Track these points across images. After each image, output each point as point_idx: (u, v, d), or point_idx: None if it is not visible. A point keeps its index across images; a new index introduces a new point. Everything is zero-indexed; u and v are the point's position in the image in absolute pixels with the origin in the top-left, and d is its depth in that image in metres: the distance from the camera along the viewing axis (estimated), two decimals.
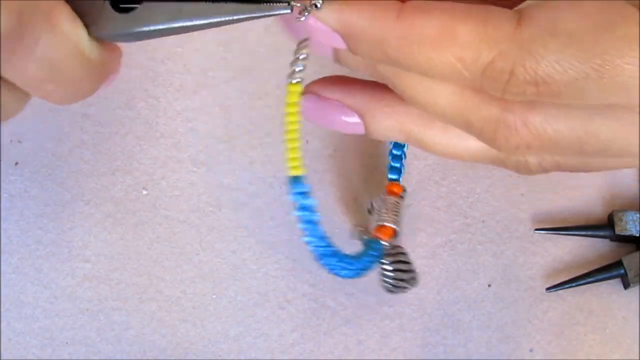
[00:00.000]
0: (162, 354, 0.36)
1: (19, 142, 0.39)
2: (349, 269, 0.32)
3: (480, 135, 0.25)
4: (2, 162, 0.38)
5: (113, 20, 0.26)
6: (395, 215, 0.35)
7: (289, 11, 0.25)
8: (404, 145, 0.36)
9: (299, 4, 0.25)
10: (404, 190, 0.36)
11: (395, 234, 0.35)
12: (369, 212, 0.37)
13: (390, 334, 0.37)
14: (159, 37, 0.26)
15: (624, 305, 0.37)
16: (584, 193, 0.39)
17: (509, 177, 0.39)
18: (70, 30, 0.25)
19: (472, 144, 0.27)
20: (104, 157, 0.39)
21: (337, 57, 0.27)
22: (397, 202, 0.35)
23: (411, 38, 0.23)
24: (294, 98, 0.26)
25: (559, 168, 0.26)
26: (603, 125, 0.24)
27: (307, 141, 0.39)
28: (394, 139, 0.29)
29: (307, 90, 0.29)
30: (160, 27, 0.26)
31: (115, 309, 0.37)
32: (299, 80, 0.26)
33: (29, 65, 0.25)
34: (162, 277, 0.37)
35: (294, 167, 0.27)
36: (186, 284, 0.37)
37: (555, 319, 0.37)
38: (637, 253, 0.37)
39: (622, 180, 0.39)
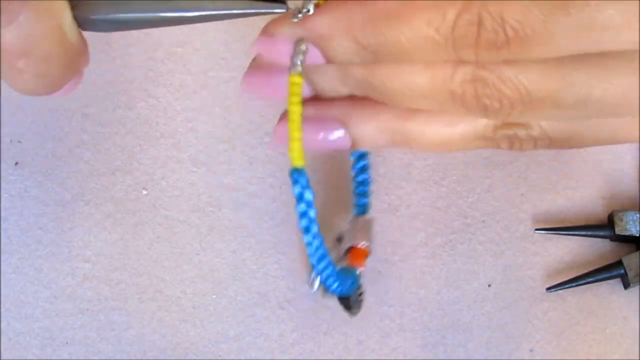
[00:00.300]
0: (162, 354, 0.36)
1: (19, 142, 0.39)
2: (339, 286, 0.32)
3: (463, 102, 0.25)
4: (2, 162, 0.38)
5: (100, 4, 0.25)
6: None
7: (284, 10, 0.25)
8: (367, 169, 0.36)
9: (291, 7, 0.25)
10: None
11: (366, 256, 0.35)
12: (339, 241, 0.37)
13: (390, 334, 0.37)
14: (148, 26, 0.25)
15: (624, 305, 0.37)
16: (584, 193, 0.39)
17: (509, 177, 0.39)
18: (56, 4, 0.24)
19: (459, 129, 0.27)
20: (104, 157, 0.39)
21: (313, 84, 0.27)
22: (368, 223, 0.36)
23: (376, 16, 0.23)
24: (296, 89, 0.26)
25: (550, 140, 0.26)
26: (579, 72, 0.23)
27: None
28: (381, 144, 0.28)
29: (279, 121, 0.28)
30: (149, 15, 0.25)
31: (115, 309, 0.37)
32: (299, 71, 0.26)
33: (6, 33, 0.23)
34: (162, 277, 0.37)
35: (296, 158, 0.27)
36: (186, 284, 0.37)
37: (555, 319, 0.37)
38: (637, 253, 0.37)
39: (622, 180, 0.39)
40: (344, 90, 0.27)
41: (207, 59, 0.40)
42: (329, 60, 0.25)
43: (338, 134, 0.27)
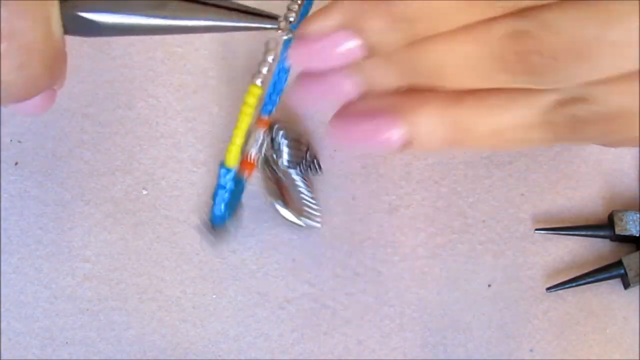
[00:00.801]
0: (162, 354, 0.36)
1: (19, 142, 0.39)
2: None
3: (507, 64, 0.23)
4: (2, 162, 0.38)
5: (90, 1, 0.25)
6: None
7: (275, 26, 0.25)
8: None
9: (282, 23, 0.25)
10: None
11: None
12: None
13: (390, 334, 0.37)
14: (136, 33, 0.25)
15: (624, 305, 0.37)
16: (584, 193, 0.39)
17: (509, 177, 0.39)
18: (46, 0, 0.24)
19: (513, 114, 0.25)
20: (104, 157, 0.39)
21: (360, 82, 0.26)
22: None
23: None
24: (251, 100, 0.26)
25: (613, 116, 0.24)
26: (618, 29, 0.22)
27: None
28: (436, 139, 0.26)
29: (334, 117, 0.27)
30: (140, 20, 0.25)
31: (115, 309, 0.37)
32: (260, 81, 0.26)
33: None
34: (162, 277, 0.37)
35: (231, 160, 0.28)
36: (186, 284, 0.37)
37: (555, 319, 0.37)
38: (637, 253, 0.37)
39: (622, 180, 0.39)
40: (392, 83, 0.26)
41: (207, 59, 0.40)
42: (370, 48, 0.24)
43: (397, 132, 0.26)
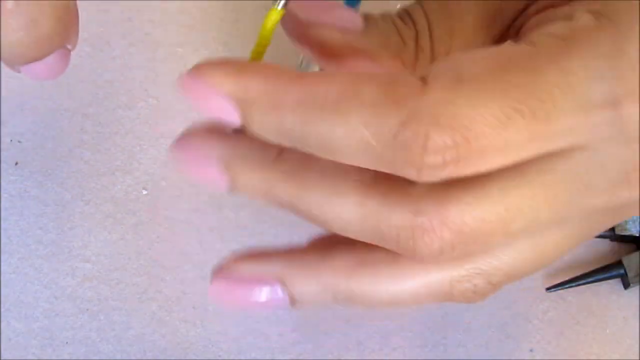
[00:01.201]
0: (162, 354, 0.36)
1: (19, 142, 0.39)
2: None
3: (398, 245, 0.22)
4: (2, 162, 0.38)
5: None
6: None
7: None
8: None
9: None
10: None
11: None
12: None
13: (390, 334, 0.37)
14: None
15: (624, 305, 0.37)
16: None
17: None
18: None
19: (409, 285, 0.23)
20: (104, 157, 0.39)
21: (231, 183, 0.26)
22: None
23: (312, 100, 0.21)
24: (270, 23, 0.25)
25: (509, 278, 0.24)
26: (526, 192, 0.21)
27: None
28: (323, 302, 0.25)
29: (214, 277, 0.27)
30: None
31: (115, 309, 0.37)
32: (283, 6, 0.25)
33: None
34: (162, 277, 0.37)
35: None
36: (186, 284, 0.37)
37: (555, 319, 0.37)
38: (637, 253, 0.37)
39: None
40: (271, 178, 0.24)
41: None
42: (245, 127, 0.23)
43: (276, 292, 0.25)
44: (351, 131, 0.20)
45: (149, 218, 0.38)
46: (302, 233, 0.38)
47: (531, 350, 0.37)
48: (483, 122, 0.19)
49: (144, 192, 0.38)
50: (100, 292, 0.37)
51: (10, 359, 0.36)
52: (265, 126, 0.22)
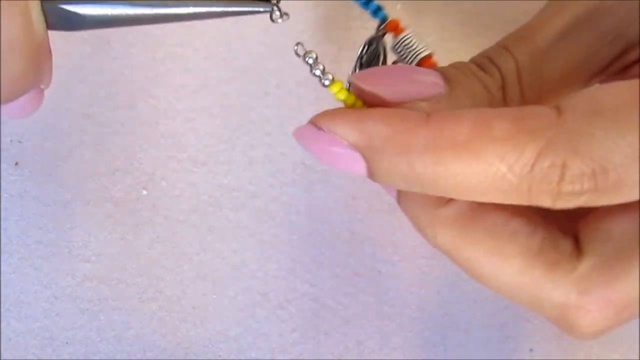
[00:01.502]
0: (162, 354, 0.36)
1: (19, 142, 0.39)
2: None
3: (556, 320, 0.22)
4: (2, 162, 0.38)
5: None
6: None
7: (269, 9, 0.24)
8: None
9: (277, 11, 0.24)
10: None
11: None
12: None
13: (390, 334, 0.37)
14: (123, 25, 0.24)
15: None
16: None
17: None
18: None
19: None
20: (104, 157, 0.39)
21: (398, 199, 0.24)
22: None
23: (442, 140, 0.20)
24: (342, 95, 0.23)
25: None
26: None
27: None
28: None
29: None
30: (126, 10, 0.24)
31: (115, 309, 0.37)
32: (330, 79, 0.24)
33: None
34: (162, 277, 0.37)
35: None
36: (186, 284, 0.37)
37: None
38: None
39: None
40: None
41: (207, 59, 0.40)
42: (370, 176, 0.22)
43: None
44: (487, 168, 0.20)
45: (149, 218, 0.38)
46: (302, 234, 0.38)
47: (531, 350, 0.37)
48: (621, 154, 0.19)
49: (144, 192, 0.38)
50: (100, 292, 0.37)
51: (10, 359, 0.36)
52: (393, 173, 0.21)
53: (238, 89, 0.39)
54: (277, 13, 0.24)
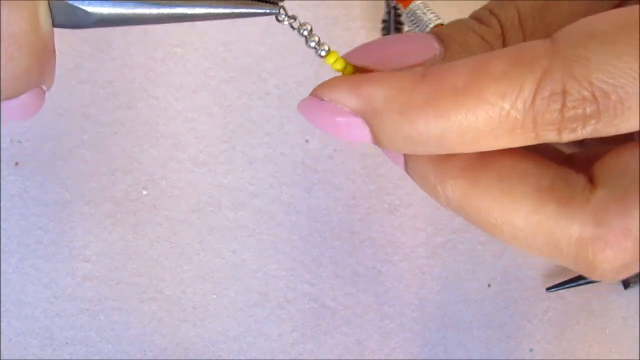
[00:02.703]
0: (162, 354, 0.36)
1: (19, 142, 0.39)
2: None
3: (575, 260, 0.21)
4: (2, 162, 0.38)
5: None
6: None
7: (276, 11, 0.24)
8: None
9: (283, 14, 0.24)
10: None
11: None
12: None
13: (390, 334, 0.37)
14: (130, 24, 0.24)
15: (624, 305, 0.37)
16: None
17: None
18: None
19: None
20: (104, 157, 0.39)
21: (406, 168, 0.24)
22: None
23: (442, 91, 0.20)
24: (339, 65, 0.23)
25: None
26: None
27: (306, 140, 0.39)
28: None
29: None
30: (134, 9, 0.23)
31: (115, 309, 0.37)
32: (327, 50, 0.23)
33: None
34: (162, 277, 0.37)
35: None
36: (186, 284, 0.37)
37: (555, 319, 0.37)
38: None
39: None
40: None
41: (207, 59, 0.40)
42: (375, 142, 0.22)
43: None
44: (490, 109, 0.20)
45: (149, 218, 0.38)
46: (303, 234, 0.38)
47: (531, 350, 0.37)
48: (620, 76, 0.19)
49: (144, 192, 0.38)
50: (100, 292, 0.37)
51: (10, 359, 0.36)
52: (397, 135, 0.21)
53: (238, 89, 0.39)
54: (283, 16, 0.24)
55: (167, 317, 0.37)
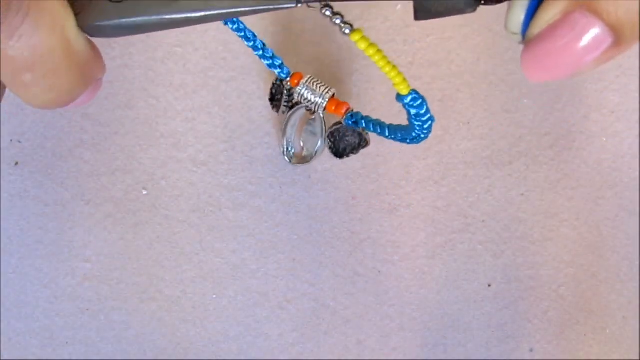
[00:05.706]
0: (162, 354, 0.36)
1: (19, 142, 0.39)
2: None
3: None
4: (2, 162, 0.38)
5: (104, 9, 0.24)
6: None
7: (294, 5, 0.24)
8: None
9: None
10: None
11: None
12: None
13: (390, 334, 0.37)
14: (156, 29, 0.25)
15: (624, 305, 0.37)
16: (584, 193, 0.39)
17: (508, 177, 0.39)
18: (59, 13, 0.23)
19: None
20: (104, 157, 0.39)
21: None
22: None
23: None
24: (364, 44, 0.24)
25: None
26: None
27: None
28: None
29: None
30: (156, 17, 0.24)
31: (115, 309, 0.37)
32: (351, 29, 0.24)
33: (9, 47, 0.22)
34: (162, 277, 0.37)
35: (402, 88, 0.26)
36: (186, 284, 0.37)
37: (555, 319, 0.37)
38: None
39: (622, 180, 0.39)
40: None
41: (207, 59, 0.40)
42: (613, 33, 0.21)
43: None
44: None
45: (149, 218, 0.38)
46: (303, 234, 0.38)
47: (531, 350, 0.37)
48: None
49: (144, 192, 0.38)
50: (100, 292, 0.37)
51: (10, 359, 0.36)
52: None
53: (238, 89, 0.39)
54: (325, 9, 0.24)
55: (167, 317, 0.37)
